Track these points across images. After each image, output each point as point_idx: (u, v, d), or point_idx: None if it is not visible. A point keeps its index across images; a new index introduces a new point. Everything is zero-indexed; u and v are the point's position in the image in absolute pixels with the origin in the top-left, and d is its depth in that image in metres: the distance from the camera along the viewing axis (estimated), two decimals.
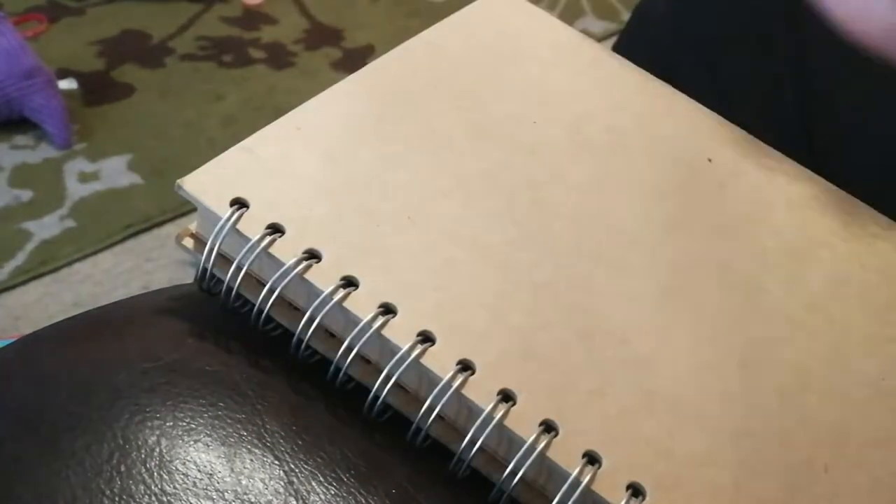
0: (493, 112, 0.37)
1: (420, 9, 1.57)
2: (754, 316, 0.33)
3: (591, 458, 0.29)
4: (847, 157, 0.44)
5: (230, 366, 0.33)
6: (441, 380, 0.29)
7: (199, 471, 0.30)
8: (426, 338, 0.30)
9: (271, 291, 0.31)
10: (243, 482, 0.29)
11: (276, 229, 0.32)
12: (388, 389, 0.30)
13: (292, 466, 0.30)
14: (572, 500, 0.28)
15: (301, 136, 0.35)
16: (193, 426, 0.31)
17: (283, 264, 0.31)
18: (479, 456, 0.30)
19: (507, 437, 0.29)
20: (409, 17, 1.55)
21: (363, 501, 0.30)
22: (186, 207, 1.15)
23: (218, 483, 0.29)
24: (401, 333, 0.30)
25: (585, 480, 0.28)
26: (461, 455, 0.30)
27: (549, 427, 0.29)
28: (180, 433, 0.30)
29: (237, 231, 0.31)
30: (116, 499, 0.29)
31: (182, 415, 0.31)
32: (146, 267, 1.10)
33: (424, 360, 0.30)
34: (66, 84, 1.27)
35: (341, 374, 0.31)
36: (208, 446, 0.30)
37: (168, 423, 0.31)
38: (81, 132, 1.25)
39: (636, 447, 0.29)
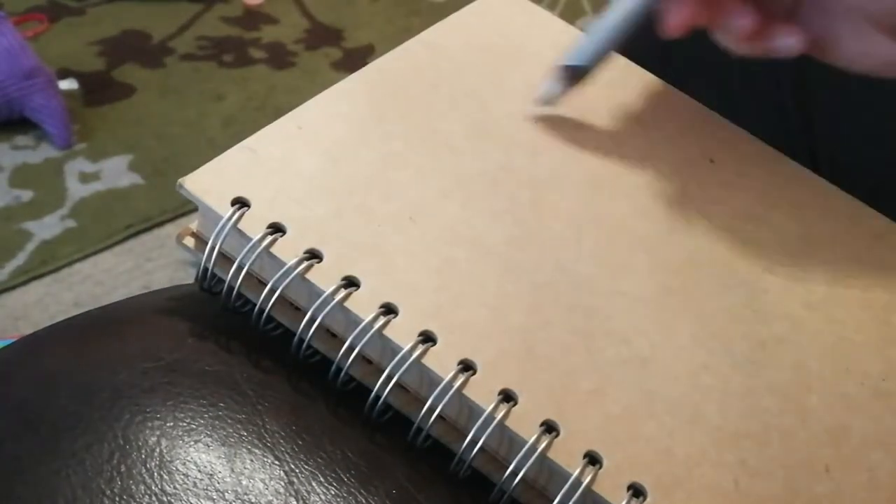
0: (494, 112, 0.37)
1: (420, 8, 1.57)
2: (755, 316, 0.33)
3: (592, 459, 0.29)
4: (847, 158, 0.44)
5: (231, 366, 0.33)
6: (442, 380, 0.29)
7: (199, 471, 0.30)
8: (427, 338, 0.30)
9: (272, 291, 0.31)
10: (244, 482, 0.29)
11: (277, 229, 0.32)
12: (390, 389, 0.30)
13: (293, 467, 0.30)
14: (573, 500, 0.28)
15: (302, 136, 0.35)
16: (194, 426, 0.31)
17: (284, 264, 0.31)
18: (479, 456, 0.30)
19: (508, 437, 0.29)
20: (409, 16, 1.55)
21: (364, 502, 0.30)
22: (187, 207, 1.15)
23: (218, 483, 0.29)
24: (402, 333, 0.30)
25: (586, 481, 0.28)
26: (462, 455, 0.30)
27: (549, 427, 0.29)
28: (181, 433, 0.30)
29: (238, 230, 0.31)
30: (117, 499, 0.29)
31: (182, 415, 0.31)
32: (147, 267, 1.10)
33: (426, 360, 0.30)
34: (67, 84, 1.27)
35: (342, 375, 0.31)
36: (209, 446, 0.30)
37: (168, 424, 0.31)
38: (82, 132, 1.25)
39: (637, 447, 0.29)
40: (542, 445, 0.28)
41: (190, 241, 0.34)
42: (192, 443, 0.30)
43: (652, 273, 0.33)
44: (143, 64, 1.38)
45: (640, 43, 0.51)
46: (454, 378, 0.29)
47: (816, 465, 0.29)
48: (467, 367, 0.30)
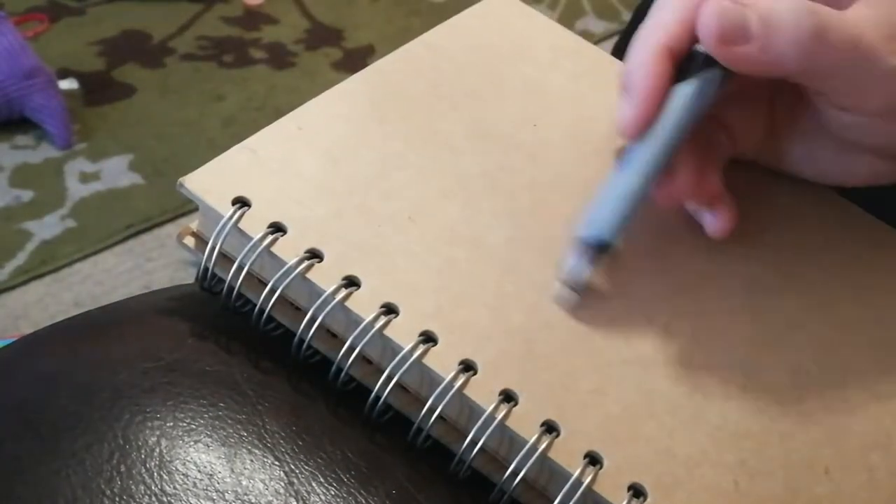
0: (494, 114, 0.37)
1: (420, 8, 1.57)
2: (753, 318, 0.33)
3: (593, 459, 0.29)
4: None
5: (231, 366, 0.33)
6: (443, 380, 0.29)
7: (199, 471, 0.30)
8: (428, 338, 0.30)
9: (273, 291, 0.31)
10: (243, 483, 0.29)
11: (277, 228, 0.32)
12: (390, 390, 0.30)
13: (293, 467, 0.30)
14: (573, 500, 0.28)
15: (302, 136, 0.35)
16: (194, 426, 0.31)
17: (284, 263, 0.31)
18: (480, 456, 0.30)
19: (509, 437, 0.29)
20: (409, 16, 1.55)
21: (363, 502, 0.30)
22: (187, 207, 1.15)
23: (218, 483, 0.29)
24: (403, 333, 0.30)
25: (587, 481, 0.28)
26: (462, 456, 0.30)
27: (550, 427, 0.29)
28: (181, 433, 0.30)
29: (239, 230, 0.31)
30: (117, 499, 0.29)
31: (182, 415, 0.31)
32: (147, 267, 1.10)
33: (426, 360, 0.30)
34: (67, 84, 1.27)
35: (343, 375, 0.31)
36: (209, 447, 0.30)
37: (168, 424, 0.31)
38: (82, 132, 1.25)
39: (637, 448, 0.29)
40: (543, 445, 0.28)
41: (190, 241, 0.34)
42: (192, 443, 0.30)
43: (651, 274, 0.33)
44: (144, 64, 1.39)
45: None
46: (455, 378, 0.29)
47: (816, 465, 0.29)
48: (468, 367, 0.30)
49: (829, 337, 0.33)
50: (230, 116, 1.30)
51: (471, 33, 0.40)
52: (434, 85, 0.38)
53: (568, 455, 0.28)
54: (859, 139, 0.33)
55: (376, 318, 0.30)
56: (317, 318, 0.30)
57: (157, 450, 0.30)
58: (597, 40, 1.53)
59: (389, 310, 0.30)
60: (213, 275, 0.32)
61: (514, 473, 0.29)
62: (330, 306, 0.30)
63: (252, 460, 0.30)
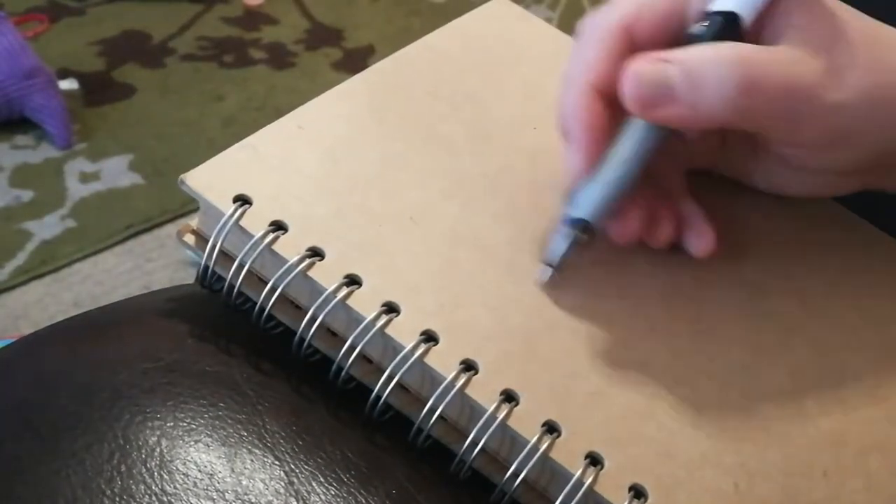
0: (494, 116, 0.37)
1: (420, 9, 1.57)
2: (753, 321, 0.33)
3: (594, 460, 0.29)
4: None
5: (231, 366, 0.33)
6: (444, 379, 0.29)
7: (199, 471, 0.30)
8: (429, 337, 0.30)
9: (273, 289, 0.31)
10: (244, 482, 0.29)
11: (278, 226, 0.32)
12: (391, 389, 0.30)
13: (293, 467, 0.30)
14: (574, 501, 0.28)
15: (303, 135, 0.35)
16: (194, 426, 0.31)
17: (285, 262, 0.31)
18: (480, 457, 0.30)
19: (510, 437, 0.29)
20: (409, 17, 1.55)
21: (363, 502, 0.30)
22: (187, 208, 1.15)
23: (218, 483, 0.29)
24: (404, 332, 0.30)
25: (588, 481, 0.28)
26: (463, 456, 0.30)
27: (551, 428, 0.29)
28: (181, 433, 0.30)
29: (240, 227, 0.31)
30: (117, 499, 0.29)
31: (183, 415, 0.31)
32: (147, 267, 1.10)
33: (427, 360, 0.29)
34: (67, 84, 1.27)
35: (343, 374, 0.31)
36: (209, 447, 0.30)
37: (169, 424, 0.31)
38: (82, 132, 1.25)
39: (638, 449, 0.29)
40: (544, 446, 0.28)
41: (190, 239, 0.34)
42: (192, 443, 0.30)
43: (652, 276, 0.33)
44: (144, 64, 1.38)
45: None
46: (456, 378, 0.29)
47: (815, 468, 0.29)
48: (469, 366, 0.30)
49: (827, 340, 0.33)
50: (230, 116, 1.30)
51: (471, 36, 0.41)
52: (434, 87, 0.38)
53: (569, 455, 0.28)
54: (803, 165, 0.32)
55: (377, 317, 0.30)
56: (317, 317, 0.30)
57: (158, 450, 0.30)
58: None
59: (391, 309, 0.30)
60: (214, 273, 0.32)
61: (515, 474, 0.29)
62: (331, 305, 0.30)
63: (252, 460, 0.30)
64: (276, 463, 0.30)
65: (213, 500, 0.29)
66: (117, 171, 1.20)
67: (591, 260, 0.33)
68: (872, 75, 0.29)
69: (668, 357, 0.31)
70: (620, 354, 0.31)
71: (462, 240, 0.33)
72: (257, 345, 0.33)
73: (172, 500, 0.29)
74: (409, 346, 0.30)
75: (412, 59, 0.39)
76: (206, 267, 0.32)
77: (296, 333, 0.31)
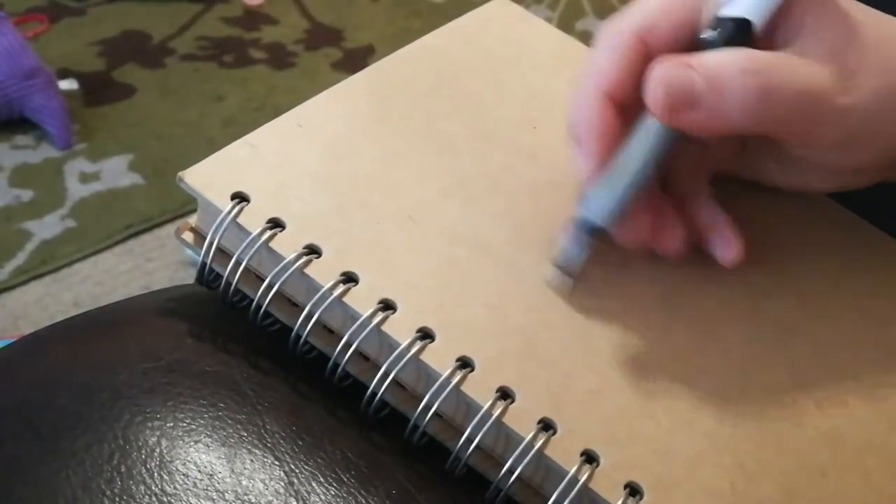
0: (494, 116, 0.37)
1: (421, 9, 1.57)
2: (751, 320, 0.33)
3: (589, 457, 0.29)
4: None
5: (230, 366, 0.33)
6: (440, 376, 0.29)
7: (199, 471, 0.30)
8: (425, 334, 0.30)
9: (270, 286, 0.31)
10: (244, 483, 0.30)
11: (276, 224, 0.32)
12: (386, 386, 0.30)
13: (293, 467, 0.30)
14: (569, 498, 0.28)
15: (302, 133, 0.35)
16: (194, 427, 0.31)
17: (283, 259, 0.31)
18: (476, 454, 0.30)
19: (505, 434, 0.29)
20: (409, 17, 1.55)
21: (363, 502, 0.30)
22: (187, 208, 1.15)
23: (218, 483, 0.29)
24: (400, 329, 0.30)
25: (583, 479, 0.28)
26: (458, 453, 0.30)
27: (547, 425, 0.29)
28: (181, 434, 0.30)
29: (238, 225, 0.32)
30: (117, 499, 0.29)
31: (182, 415, 0.31)
32: (147, 267, 1.10)
33: (424, 357, 0.30)
34: (67, 84, 1.27)
35: (339, 371, 0.31)
36: (209, 447, 0.30)
37: (168, 424, 0.31)
38: (82, 132, 1.25)
39: (634, 447, 0.29)
40: (540, 443, 0.28)
41: (189, 236, 0.34)
42: (192, 443, 0.30)
43: (650, 275, 0.33)
44: (144, 64, 1.38)
45: None
46: (452, 374, 0.29)
47: (812, 468, 0.30)
48: (465, 364, 0.30)
49: (825, 340, 0.33)
50: (230, 117, 1.30)
51: (472, 36, 0.41)
52: (435, 86, 0.38)
53: (564, 453, 0.28)
54: (821, 165, 0.33)
55: (374, 314, 0.30)
56: (314, 314, 0.31)
57: (158, 450, 0.30)
58: None
59: (387, 306, 0.30)
60: (212, 270, 0.32)
61: (511, 471, 0.29)
62: (327, 302, 0.30)
63: (252, 460, 0.30)
64: (276, 463, 0.30)
65: (213, 500, 0.29)
66: (117, 172, 1.20)
67: (590, 259, 0.33)
68: (885, 76, 0.30)
69: (666, 356, 0.31)
70: (618, 353, 0.31)
71: (461, 238, 0.33)
72: (257, 345, 0.33)
73: (172, 501, 0.29)
74: (404, 343, 0.30)
75: (412, 57, 0.39)
76: (204, 264, 0.32)
77: (292, 330, 0.32)
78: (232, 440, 0.31)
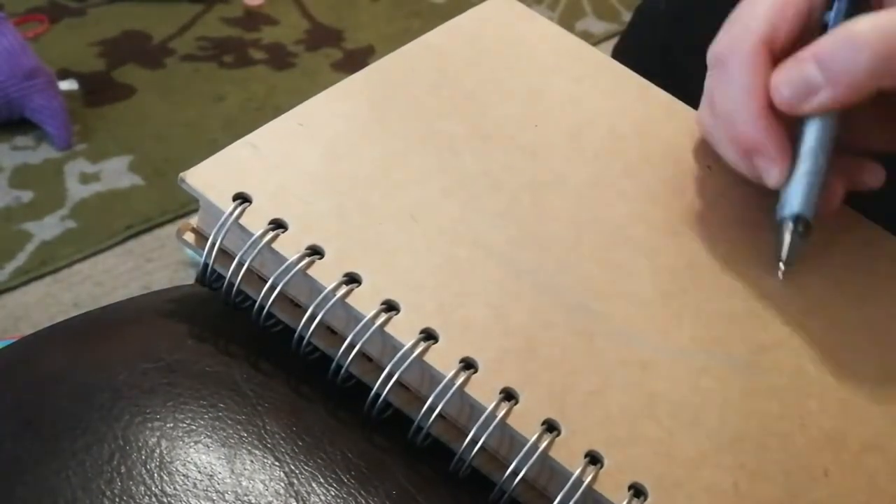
0: (495, 115, 0.37)
1: (421, 9, 1.57)
2: (753, 320, 0.33)
3: (593, 458, 0.29)
4: None
5: (231, 366, 0.33)
6: (444, 377, 0.29)
7: (199, 472, 0.30)
8: (429, 335, 0.30)
9: (273, 287, 0.31)
10: (244, 483, 0.29)
11: (278, 225, 0.32)
12: (390, 388, 0.30)
13: (293, 468, 0.30)
14: (574, 499, 0.28)
15: (304, 133, 0.35)
16: (194, 427, 0.31)
17: (285, 260, 0.31)
18: (480, 455, 0.30)
19: (509, 436, 0.29)
20: (409, 17, 1.55)
21: (363, 502, 0.30)
22: (188, 208, 1.15)
23: (218, 484, 0.29)
24: (403, 330, 0.30)
25: (587, 480, 0.28)
26: (462, 455, 0.30)
27: (551, 426, 0.29)
28: (181, 434, 0.30)
29: (240, 225, 0.31)
30: (117, 499, 0.29)
31: (182, 416, 0.31)
32: (147, 268, 1.10)
33: (427, 358, 0.29)
34: (67, 85, 1.27)
35: (342, 372, 0.31)
36: (209, 447, 0.30)
37: (168, 424, 0.31)
38: (82, 133, 1.25)
39: (638, 448, 0.29)
40: (544, 444, 0.28)
41: (190, 237, 0.34)
42: (192, 444, 0.30)
43: (652, 276, 0.33)
44: (144, 65, 1.39)
45: (641, 43, 0.51)
46: (456, 376, 0.29)
47: (815, 469, 0.29)
48: (469, 365, 0.30)
49: (828, 340, 0.33)
50: (230, 117, 1.31)
51: (472, 34, 0.41)
52: (435, 85, 0.38)
53: (568, 454, 0.28)
54: None
55: (377, 315, 0.30)
56: (317, 315, 0.30)
57: (158, 450, 0.30)
58: (597, 41, 1.53)
59: (390, 307, 0.30)
60: (213, 271, 0.32)
61: (515, 472, 0.29)
62: (330, 303, 0.30)
63: (252, 461, 0.30)
64: (276, 464, 0.30)
65: (213, 500, 0.29)
66: (117, 172, 1.20)
67: (590, 259, 0.33)
68: None
69: (669, 356, 0.31)
70: (620, 354, 0.31)
71: (463, 238, 0.33)
72: (257, 345, 0.33)
73: (172, 501, 0.29)
74: (408, 345, 0.29)
75: (413, 56, 0.39)
76: (206, 265, 0.32)
77: (295, 331, 0.31)
78: (232, 441, 0.30)
